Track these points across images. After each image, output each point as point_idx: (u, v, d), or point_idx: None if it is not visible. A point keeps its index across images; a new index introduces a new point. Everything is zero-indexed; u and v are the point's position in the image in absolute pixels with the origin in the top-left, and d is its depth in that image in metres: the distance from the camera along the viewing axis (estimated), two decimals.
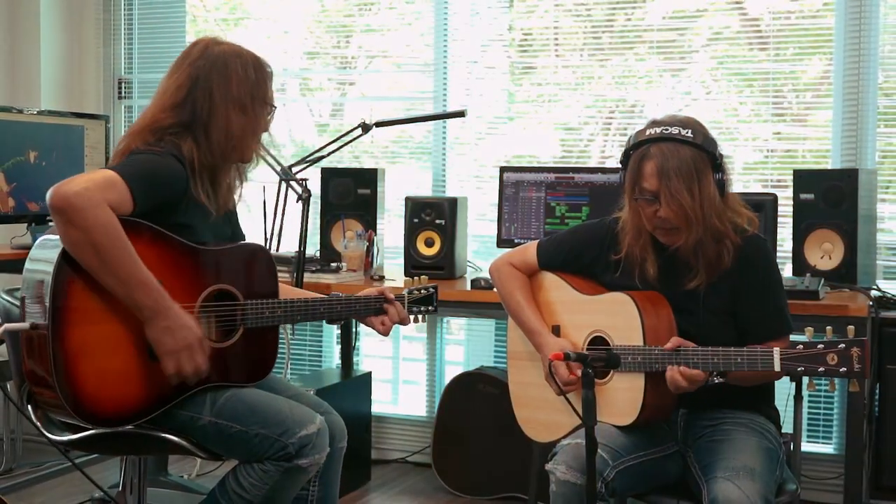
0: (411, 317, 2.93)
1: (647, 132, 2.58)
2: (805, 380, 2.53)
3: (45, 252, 2.39)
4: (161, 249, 2.44)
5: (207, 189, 2.59)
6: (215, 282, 2.56)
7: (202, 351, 2.45)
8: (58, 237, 2.35)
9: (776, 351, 2.41)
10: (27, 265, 2.44)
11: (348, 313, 2.80)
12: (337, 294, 2.81)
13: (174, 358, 2.41)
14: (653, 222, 2.61)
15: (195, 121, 2.57)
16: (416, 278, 3.02)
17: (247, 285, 2.60)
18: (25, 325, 2.35)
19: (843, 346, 2.36)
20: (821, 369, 2.38)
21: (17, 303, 2.49)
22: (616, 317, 2.65)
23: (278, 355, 2.71)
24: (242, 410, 2.53)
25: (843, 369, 2.36)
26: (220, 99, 2.58)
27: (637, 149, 2.59)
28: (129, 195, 2.36)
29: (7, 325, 2.38)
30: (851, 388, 2.43)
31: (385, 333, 2.87)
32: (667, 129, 2.56)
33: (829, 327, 2.45)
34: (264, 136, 2.74)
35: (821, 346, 2.38)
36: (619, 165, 2.68)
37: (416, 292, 2.94)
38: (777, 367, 2.41)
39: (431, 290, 2.98)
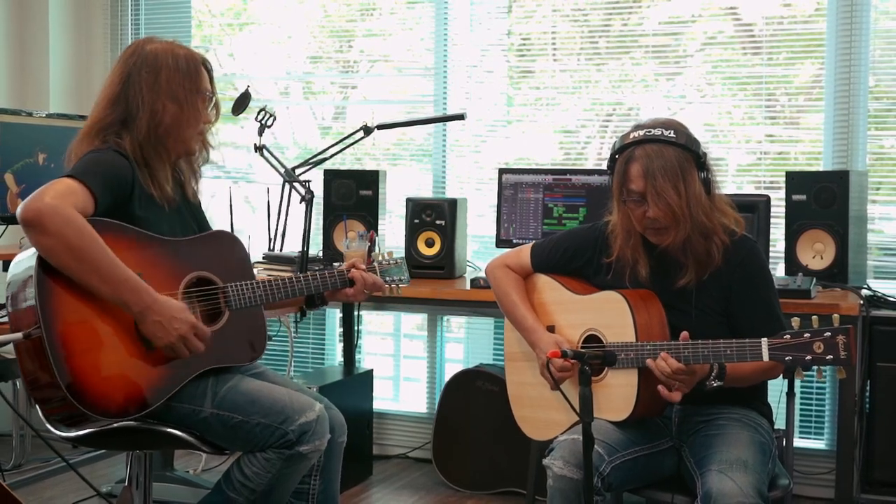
0: (387, 286, 2.97)
1: (631, 135, 2.63)
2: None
3: (23, 263, 2.45)
4: (135, 243, 2.51)
5: (150, 181, 2.63)
6: (192, 269, 2.62)
7: (198, 335, 2.51)
8: (32, 251, 2.41)
9: (764, 342, 2.44)
10: (9, 279, 2.49)
11: (324, 287, 2.84)
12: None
13: (172, 349, 2.48)
14: (642, 223, 2.64)
15: (129, 116, 2.64)
16: (381, 252, 3.05)
17: (223, 270, 2.65)
18: (19, 335, 2.39)
19: (828, 334, 2.39)
20: (808, 358, 2.40)
21: None
22: (609, 315, 2.67)
23: (283, 354, 2.76)
24: (242, 401, 2.58)
25: (830, 357, 2.38)
26: (149, 91, 2.64)
27: (622, 152, 2.63)
28: (90, 194, 2.44)
29: (1, 337, 2.42)
30: (839, 374, 2.45)
31: (357, 299, 2.92)
32: (650, 132, 2.60)
33: (814, 317, 2.47)
34: (216, 129, 2.80)
35: (807, 335, 2.41)
36: (607, 171, 2.71)
37: (384, 262, 2.98)
38: (765, 357, 2.43)
39: (399, 259, 3.02)
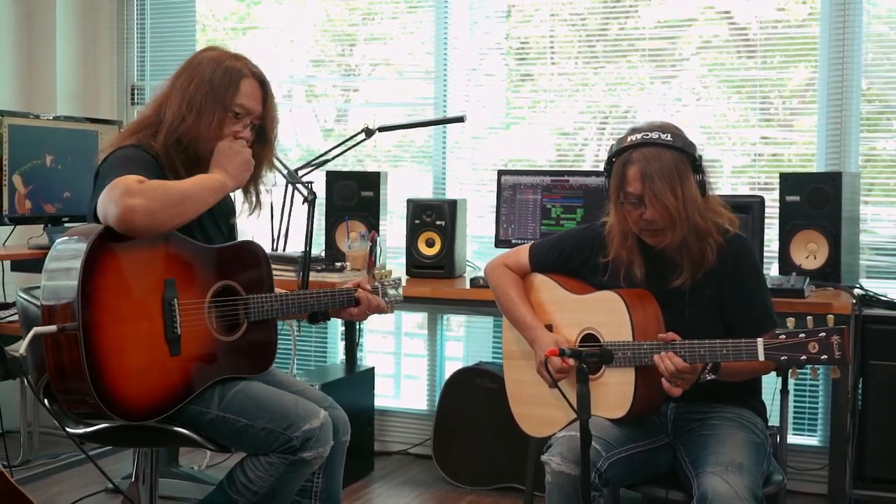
0: (387, 307, 3.00)
1: (629, 139, 2.65)
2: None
3: (65, 258, 2.44)
4: (171, 247, 2.53)
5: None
6: (220, 278, 2.65)
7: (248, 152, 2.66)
8: (71, 238, 2.43)
9: (760, 341, 2.47)
10: (46, 273, 2.48)
11: (333, 304, 2.87)
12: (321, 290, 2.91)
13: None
14: (639, 225, 2.67)
15: (162, 118, 2.66)
16: (381, 270, 3.09)
17: (246, 280, 2.68)
18: (53, 328, 2.39)
19: (823, 334, 2.41)
20: (802, 357, 2.43)
21: (36, 301, 2.54)
22: (606, 314, 2.70)
23: (286, 352, 2.80)
24: (249, 405, 2.60)
25: (825, 357, 2.41)
26: (179, 97, 2.66)
27: (619, 155, 2.66)
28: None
29: (36, 329, 2.41)
30: (833, 374, 2.49)
31: (358, 318, 2.97)
32: (647, 135, 2.62)
33: (809, 317, 2.49)
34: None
35: (802, 335, 2.43)
36: (604, 173, 2.75)
37: (387, 283, 3.02)
38: (761, 357, 2.46)
39: (396, 280, 3.07)
